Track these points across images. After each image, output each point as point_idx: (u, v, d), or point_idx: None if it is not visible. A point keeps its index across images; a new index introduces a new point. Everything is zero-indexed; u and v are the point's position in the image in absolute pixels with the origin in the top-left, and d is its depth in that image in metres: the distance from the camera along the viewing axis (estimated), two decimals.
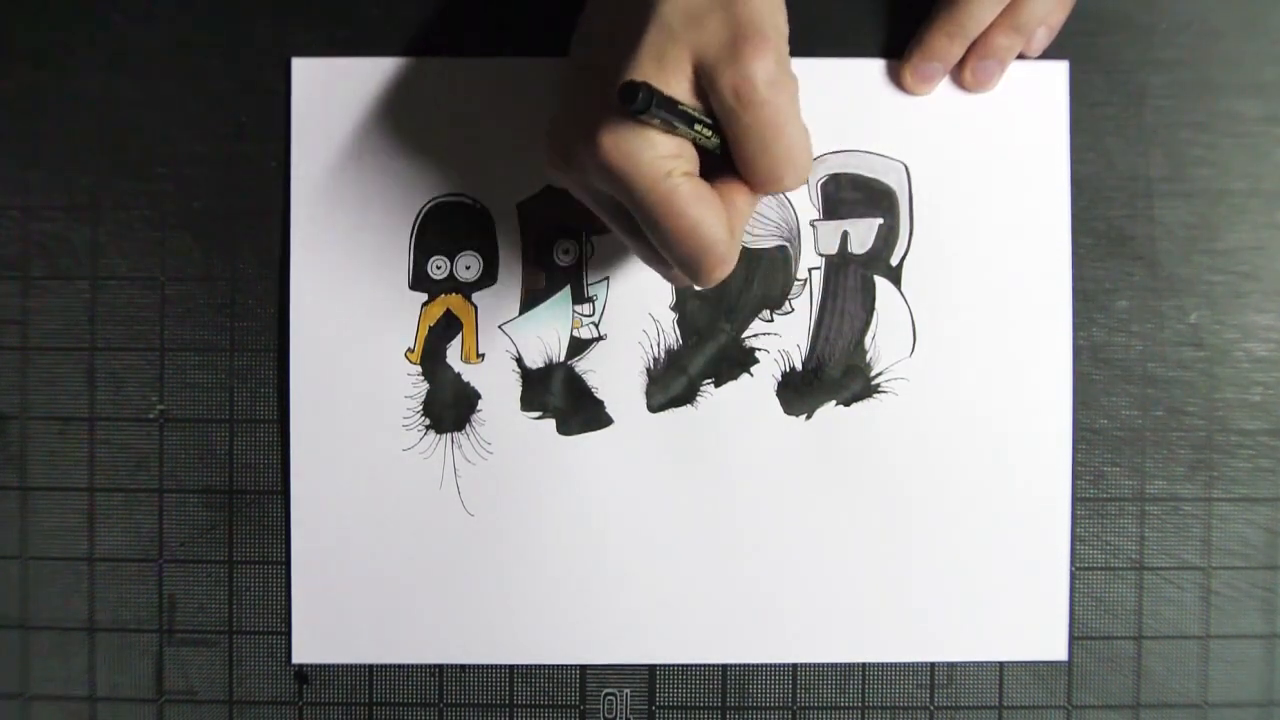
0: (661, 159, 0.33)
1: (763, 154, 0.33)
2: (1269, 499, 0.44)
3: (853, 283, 0.43)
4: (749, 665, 0.44)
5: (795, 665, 0.44)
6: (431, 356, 0.43)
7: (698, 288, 0.35)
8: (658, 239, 0.34)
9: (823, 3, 0.43)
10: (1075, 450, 0.43)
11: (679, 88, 0.33)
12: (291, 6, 0.43)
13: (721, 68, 0.33)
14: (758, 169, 0.34)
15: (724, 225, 0.34)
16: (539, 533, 0.43)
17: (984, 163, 0.43)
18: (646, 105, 0.30)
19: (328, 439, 0.43)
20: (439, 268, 0.43)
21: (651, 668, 0.44)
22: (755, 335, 0.43)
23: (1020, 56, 0.42)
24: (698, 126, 0.33)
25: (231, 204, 0.44)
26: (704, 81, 0.33)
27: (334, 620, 0.43)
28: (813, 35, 0.41)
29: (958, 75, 0.42)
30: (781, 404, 0.43)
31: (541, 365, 0.43)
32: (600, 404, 0.43)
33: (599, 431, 0.43)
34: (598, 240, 0.43)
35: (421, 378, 0.43)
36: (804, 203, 0.43)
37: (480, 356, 0.43)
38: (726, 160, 0.34)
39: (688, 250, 0.34)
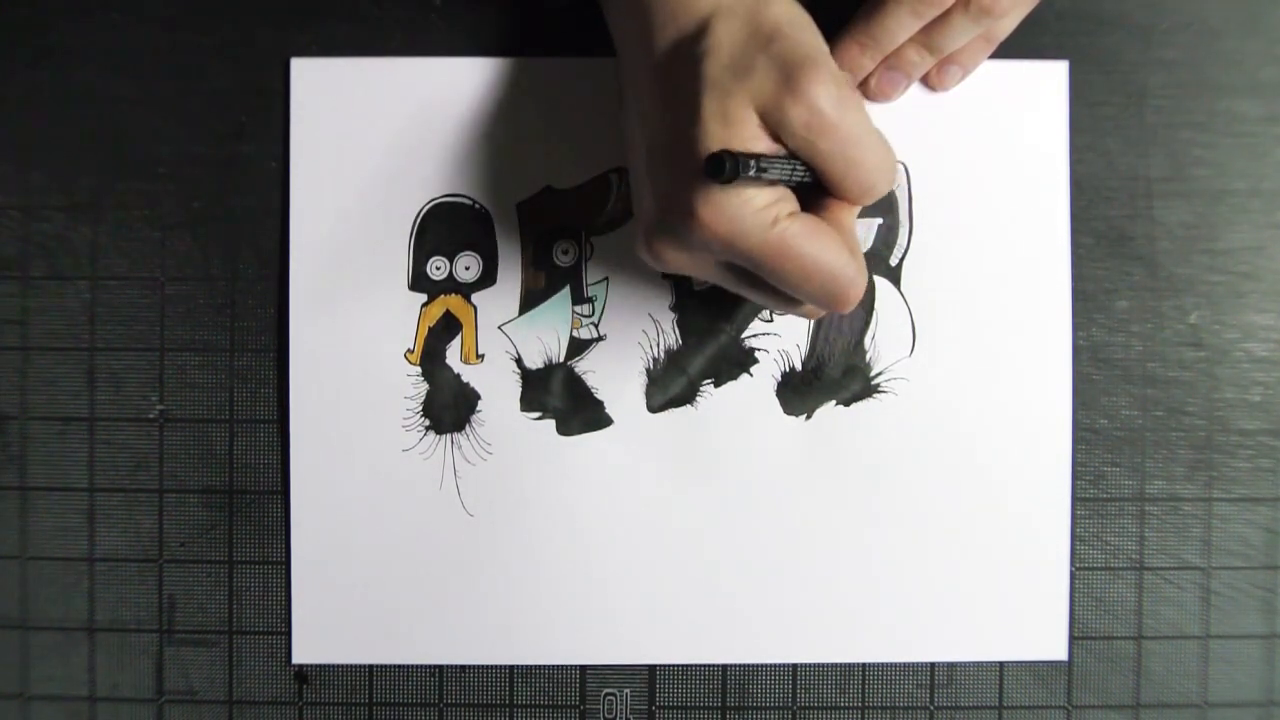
0: (763, 210, 0.33)
1: (851, 172, 0.34)
2: (1269, 499, 0.44)
3: None
4: (749, 665, 0.44)
5: (795, 665, 0.44)
6: (431, 357, 0.43)
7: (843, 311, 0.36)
8: (786, 285, 0.34)
9: (823, 2, 0.43)
10: (1075, 450, 0.43)
11: (753, 139, 0.33)
12: (291, 6, 0.43)
13: (786, 108, 0.33)
14: (850, 187, 0.34)
15: (843, 249, 0.34)
16: (539, 533, 0.43)
17: (984, 163, 0.43)
18: (735, 172, 0.31)
19: (328, 439, 0.43)
20: (438, 268, 0.43)
21: (651, 668, 0.44)
22: (755, 335, 0.43)
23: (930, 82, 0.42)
24: (785, 169, 0.33)
25: (231, 204, 0.44)
26: (772, 125, 0.33)
27: (334, 620, 0.43)
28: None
29: (864, 86, 0.42)
30: (781, 404, 0.43)
31: (541, 366, 0.43)
32: (600, 404, 0.43)
33: (599, 432, 0.43)
34: (597, 240, 0.43)
35: (421, 378, 0.43)
36: None
37: (480, 357, 0.43)
38: (818, 185, 0.35)
39: (817, 286, 0.34)
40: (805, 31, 0.35)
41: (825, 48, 0.35)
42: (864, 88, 0.42)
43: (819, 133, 0.33)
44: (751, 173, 0.31)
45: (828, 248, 0.34)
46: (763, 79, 0.33)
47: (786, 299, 0.36)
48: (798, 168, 0.34)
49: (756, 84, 0.33)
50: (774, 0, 0.35)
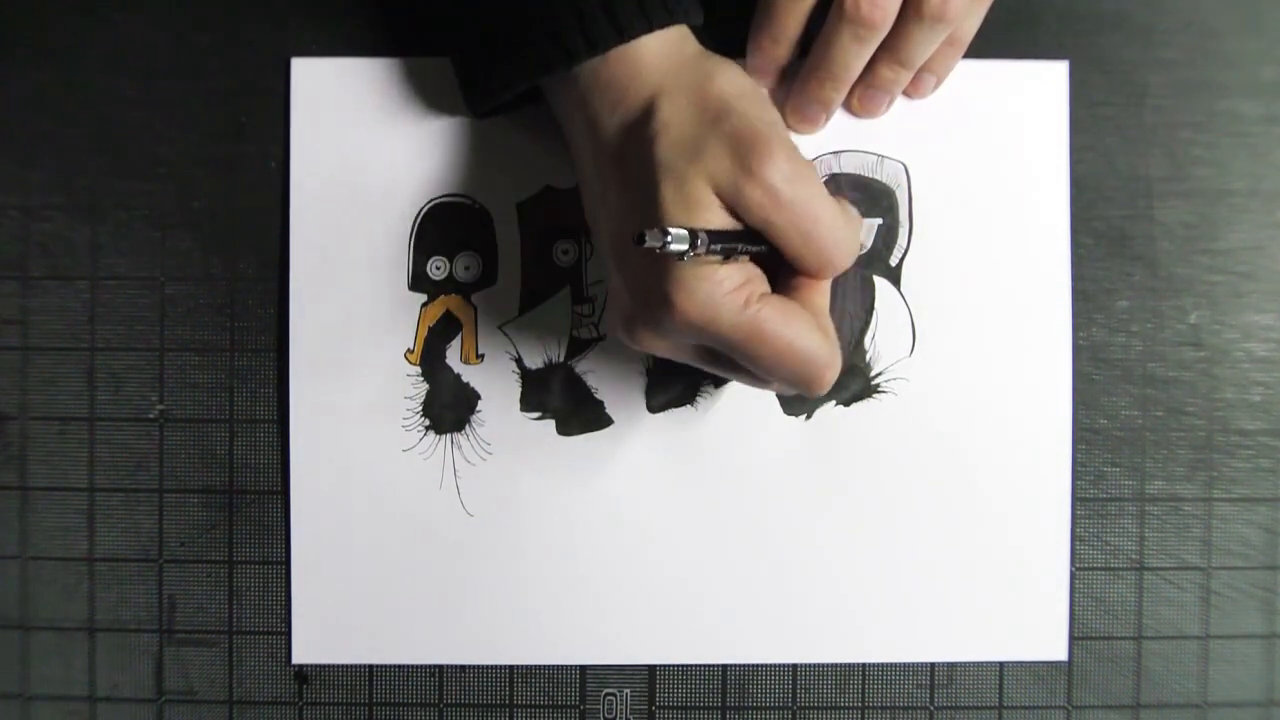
0: (735, 293, 0.33)
1: (807, 246, 0.34)
2: (1269, 499, 0.44)
3: (852, 283, 0.43)
4: (749, 665, 0.44)
5: (795, 665, 0.44)
6: (431, 357, 0.43)
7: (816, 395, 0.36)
8: (759, 369, 0.35)
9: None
10: (1075, 450, 0.43)
11: (716, 221, 0.34)
12: (291, 6, 0.43)
13: (740, 186, 0.33)
14: (808, 260, 0.35)
15: (816, 331, 0.34)
16: (539, 533, 0.43)
17: (984, 163, 0.43)
18: (643, 241, 0.31)
19: (328, 439, 0.43)
20: (438, 268, 0.43)
21: (651, 668, 0.44)
22: None
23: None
24: (734, 243, 0.33)
25: (231, 204, 0.44)
26: (730, 203, 0.34)
27: (334, 620, 0.43)
28: (812, 34, 0.41)
29: (847, 102, 0.42)
30: (781, 404, 0.43)
31: (541, 366, 0.43)
32: (600, 404, 0.43)
33: (599, 432, 0.43)
34: (597, 240, 0.43)
35: (421, 378, 0.43)
36: None
37: (480, 357, 0.43)
38: (787, 264, 0.35)
39: (791, 369, 0.34)
40: (753, 104, 0.35)
41: (775, 116, 0.36)
42: (848, 106, 0.42)
43: (774, 209, 0.33)
44: (700, 247, 0.32)
45: (802, 331, 0.34)
46: (716, 159, 0.34)
47: (761, 379, 0.36)
48: (751, 239, 0.34)
49: (710, 165, 0.34)
50: (717, 73, 0.36)
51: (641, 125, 0.35)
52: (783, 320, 0.34)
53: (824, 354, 0.34)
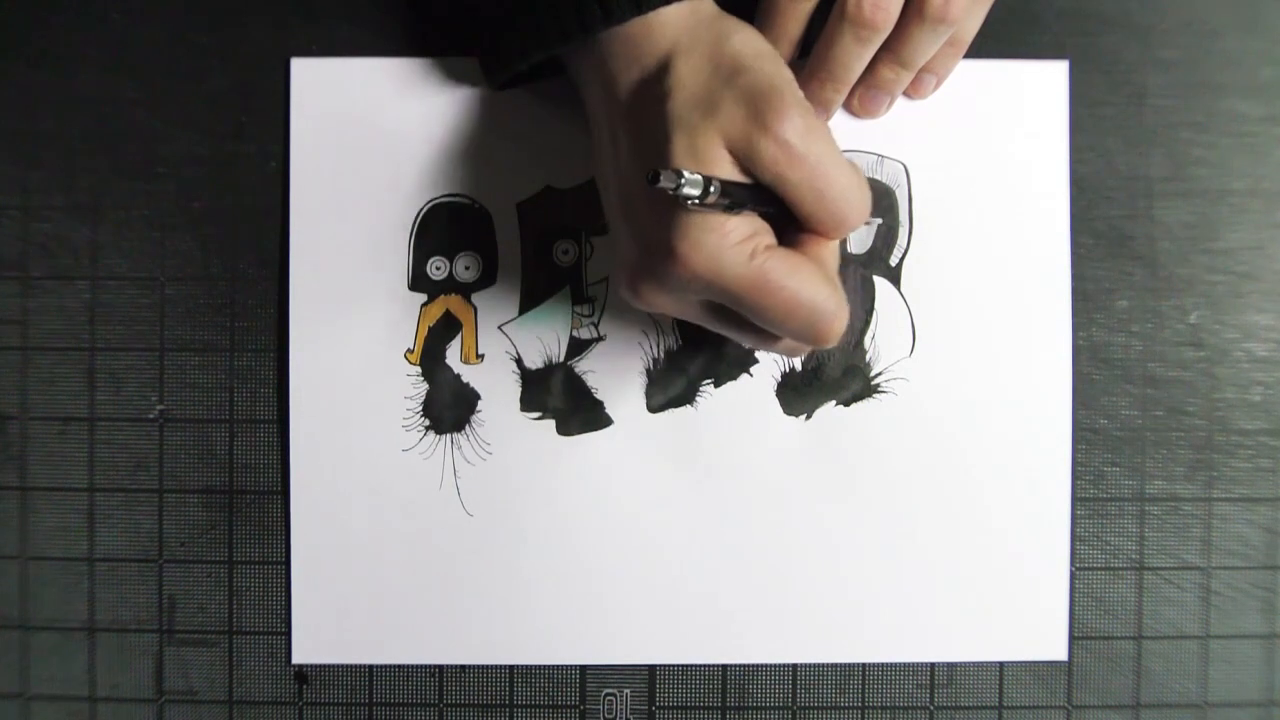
0: (741, 244, 0.33)
1: (820, 203, 0.34)
2: (1269, 499, 0.44)
3: (852, 283, 0.43)
4: (749, 665, 0.44)
5: (795, 665, 0.44)
6: (431, 357, 0.43)
7: (825, 347, 0.35)
8: (766, 321, 0.34)
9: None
10: (1075, 450, 0.43)
11: (724, 172, 0.34)
12: (291, 6, 0.43)
13: (754, 141, 0.33)
14: (820, 218, 0.34)
15: (823, 282, 0.34)
16: (539, 533, 0.43)
17: (984, 163, 0.43)
18: (657, 179, 0.30)
19: (328, 439, 0.43)
20: (438, 268, 0.43)
21: (651, 668, 0.44)
22: None
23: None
24: (743, 195, 0.33)
25: (231, 204, 0.44)
26: (742, 159, 0.34)
27: (334, 620, 0.43)
28: (813, 34, 0.41)
29: (848, 103, 0.42)
30: (781, 404, 0.43)
31: (541, 366, 0.43)
32: (600, 404, 0.43)
33: (599, 432, 0.43)
34: (597, 240, 0.43)
35: (421, 378, 0.43)
36: None
37: (480, 357, 0.43)
38: (794, 220, 0.35)
39: (799, 321, 0.34)
40: (768, 62, 0.35)
41: (789, 75, 0.35)
42: (849, 106, 0.42)
43: (787, 165, 0.33)
44: (715, 194, 0.31)
45: (808, 281, 0.34)
46: (730, 114, 0.34)
47: (769, 336, 0.36)
48: (766, 199, 0.34)
49: (724, 119, 0.34)
50: (733, 33, 0.35)
51: (656, 82, 0.35)
52: (789, 271, 0.33)
53: (831, 304, 0.34)
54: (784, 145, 0.33)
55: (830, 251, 0.36)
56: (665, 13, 0.36)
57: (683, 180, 0.31)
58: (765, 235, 0.34)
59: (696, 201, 0.31)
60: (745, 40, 0.35)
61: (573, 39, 0.36)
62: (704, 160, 0.33)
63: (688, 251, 0.33)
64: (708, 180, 0.31)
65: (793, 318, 0.34)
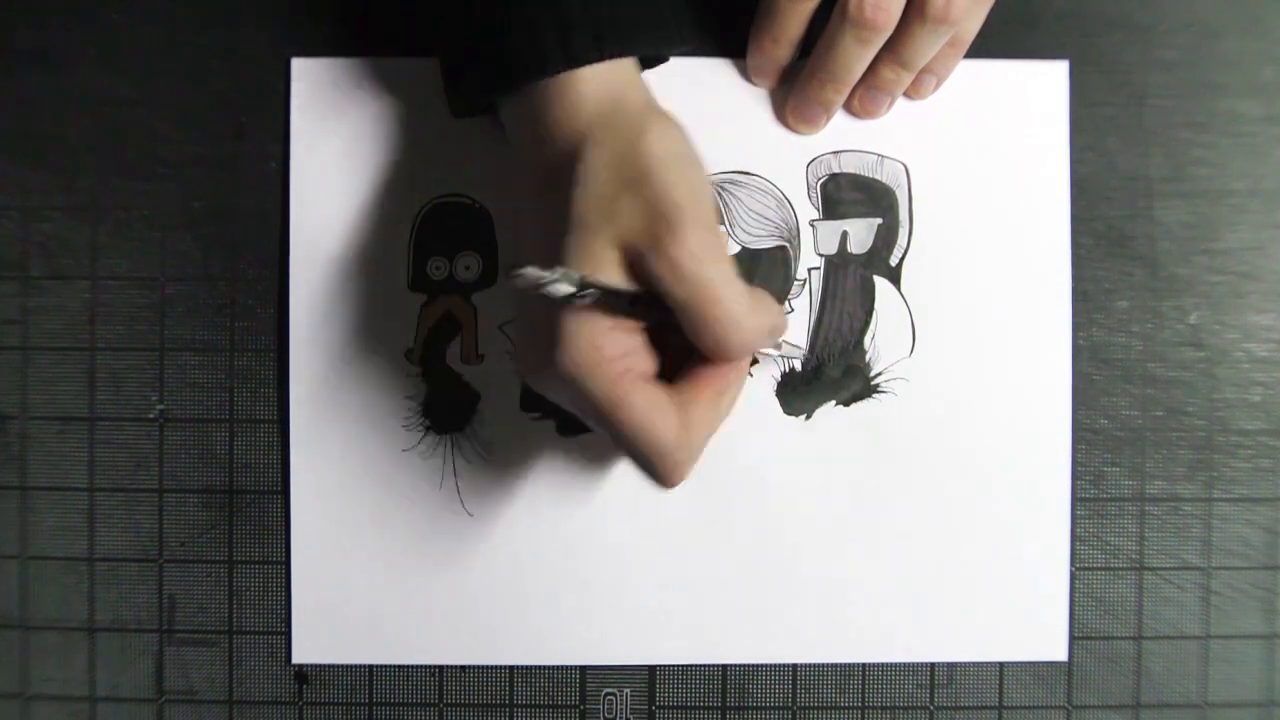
0: (611, 362, 0.33)
1: (705, 327, 0.34)
2: (1269, 499, 0.44)
3: (852, 283, 0.43)
4: (749, 665, 0.44)
5: (795, 665, 0.44)
6: (431, 357, 0.43)
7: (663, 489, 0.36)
8: (615, 441, 0.34)
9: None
10: (1075, 450, 0.43)
11: (613, 277, 0.34)
12: (291, 6, 0.43)
13: (645, 255, 0.33)
14: (703, 342, 0.34)
15: (674, 430, 0.34)
16: (539, 533, 0.43)
17: (984, 163, 0.43)
18: (579, 291, 0.31)
19: (328, 439, 0.43)
20: (438, 268, 0.43)
21: (651, 668, 0.44)
22: None
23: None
24: (612, 302, 0.33)
25: (231, 204, 0.44)
26: (635, 268, 0.34)
27: (334, 620, 0.43)
28: (813, 34, 0.41)
29: (848, 103, 0.42)
30: (781, 404, 0.43)
31: None
32: None
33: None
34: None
35: (421, 378, 0.43)
36: (803, 203, 0.43)
37: (480, 357, 0.43)
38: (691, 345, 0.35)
39: (640, 456, 0.34)
40: (679, 170, 0.34)
41: (699, 184, 0.35)
42: (849, 106, 0.42)
43: (674, 284, 0.33)
44: (588, 297, 0.32)
45: (660, 422, 0.34)
46: (628, 221, 0.33)
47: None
48: (645, 307, 0.34)
49: (623, 226, 0.33)
50: (650, 131, 0.35)
51: (567, 167, 0.35)
52: (647, 407, 0.34)
53: (675, 455, 0.34)
54: (673, 264, 0.33)
55: (709, 407, 0.35)
56: (590, 91, 0.35)
57: (543, 280, 0.31)
58: (639, 361, 0.35)
59: (570, 300, 0.31)
60: (660, 140, 0.35)
61: (508, 87, 0.36)
62: (596, 263, 0.33)
63: (559, 355, 0.33)
64: (584, 285, 0.31)
65: (636, 451, 0.34)
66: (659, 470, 0.35)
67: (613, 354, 0.34)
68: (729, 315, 0.33)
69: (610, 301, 0.33)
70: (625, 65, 0.36)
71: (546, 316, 0.34)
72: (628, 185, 0.34)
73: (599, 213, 0.34)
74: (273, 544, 0.44)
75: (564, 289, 0.31)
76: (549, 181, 0.36)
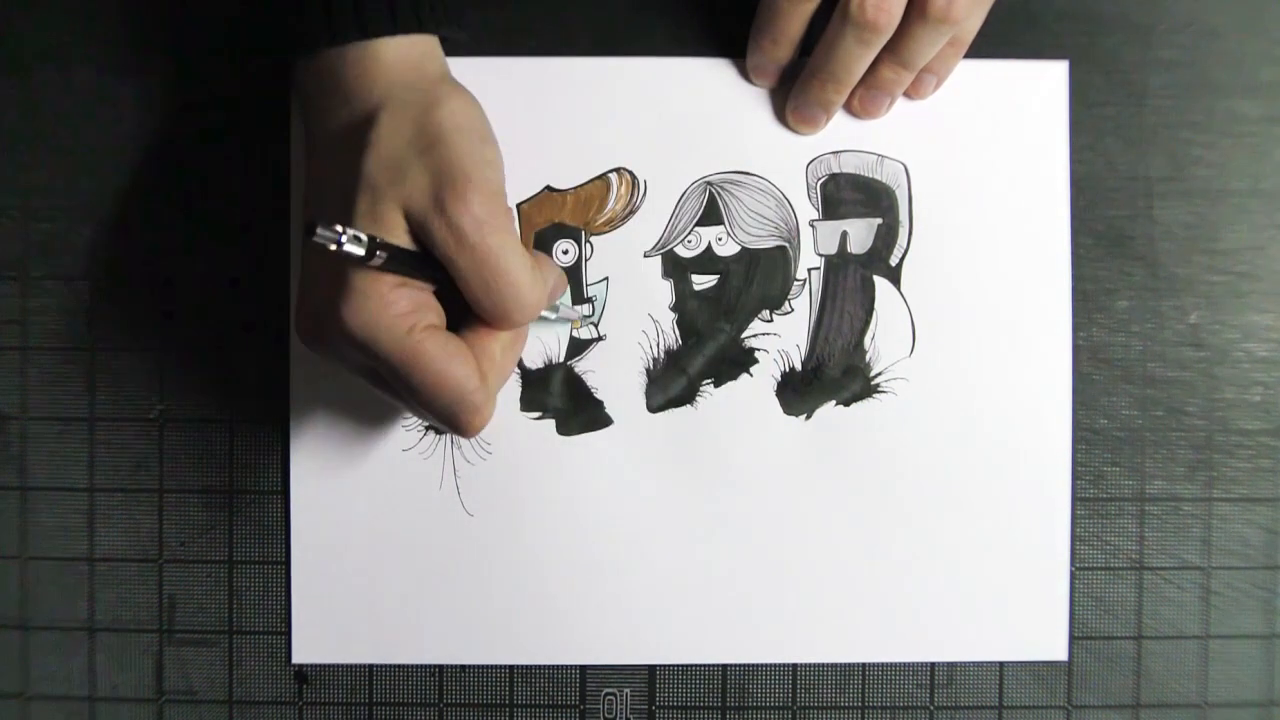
0: (401, 317, 0.33)
1: (485, 293, 0.34)
2: (1269, 499, 0.44)
3: (852, 283, 0.43)
4: (749, 665, 0.44)
5: (795, 665, 0.44)
6: None
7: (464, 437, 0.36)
8: (410, 396, 0.34)
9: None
10: (1075, 450, 0.43)
11: (399, 241, 0.34)
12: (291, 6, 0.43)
13: (429, 218, 0.33)
14: (484, 308, 0.35)
15: (473, 374, 0.34)
16: (539, 533, 0.43)
17: (984, 162, 0.43)
18: (313, 233, 0.30)
19: (328, 439, 0.43)
20: None
21: (651, 668, 0.44)
22: (754, 335, 0.43)
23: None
24: (404, 266, 0.34)
25: (231, 204, 0.44)
26: (418, 231, 0.34)
27: (334, 620, 0.43)
28: (813, 34, 0.41)
29: (848, 103, 0.42)
30: (781, 404, 0.43)
31: (541, 365, 0.43)
32: (600, 404, 0.43)
33: (599, 432, 0.43)
34: (597, 240, 0.43)
35: None
36: (803, 203, 0.43)
37: None
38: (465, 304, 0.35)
39: (440, 405, 0.34)
40: (470, 140, 0.35)
41: (490, 157, 0.35)
42: (849, 106, 0.42)
43: (456, 249, 0.33)
44: (379, 258, 0.32)
45: (457, 370, 0.34)
46: (414, 186, 0.34)
47: (418, 410, 0.36)
48: (427, 271, 0.34)
49: (408, 190, 0.34)
50: (445, 100, 0.35)
51: (360, 132, 0.35)
52: (442, 354, 0.34)
53: (476, 398, 0.34)
54: (455, 230, 0.33)
55: (496, 344, 0.36)
56: (386, 59, 0.36)
57: (342, 238, 0.31)
58: (429, 314, 0.35)
59: (363, 261, 0.31)
60: (453, 110, 0.35)
61: (299, 51, 0.36)
62: (381, 225, 0.34)
63: (347, 313, 0.33)
64: (374, 244, 0.31)
65: (436, 401, 0.34)
66: (460, 416, 0.35)
67: (401, 310, 0.34)
68: (511, 288, 0.34)
69: (400, 263, 0.33)
70: (425, 36, 0.37)
71: (332, 276, 0.34)
72: (419, 152, 0.34)
73: (387, 176, 0.34)
74: (273, 544, 0.44)
75: (355, 250, 0.31)
76: (328, 150, 0.36)
